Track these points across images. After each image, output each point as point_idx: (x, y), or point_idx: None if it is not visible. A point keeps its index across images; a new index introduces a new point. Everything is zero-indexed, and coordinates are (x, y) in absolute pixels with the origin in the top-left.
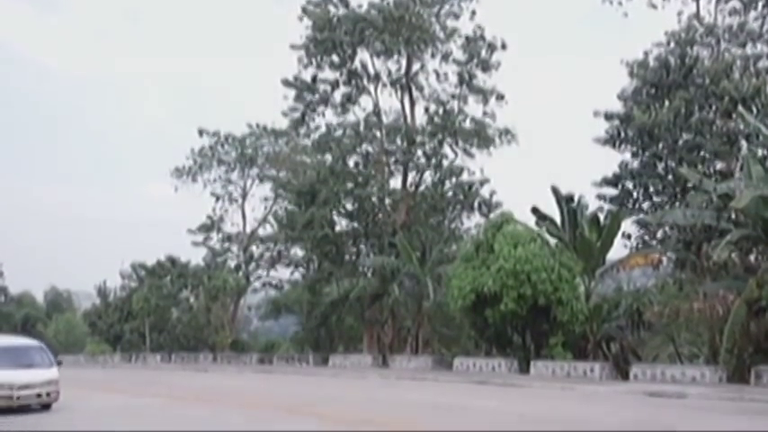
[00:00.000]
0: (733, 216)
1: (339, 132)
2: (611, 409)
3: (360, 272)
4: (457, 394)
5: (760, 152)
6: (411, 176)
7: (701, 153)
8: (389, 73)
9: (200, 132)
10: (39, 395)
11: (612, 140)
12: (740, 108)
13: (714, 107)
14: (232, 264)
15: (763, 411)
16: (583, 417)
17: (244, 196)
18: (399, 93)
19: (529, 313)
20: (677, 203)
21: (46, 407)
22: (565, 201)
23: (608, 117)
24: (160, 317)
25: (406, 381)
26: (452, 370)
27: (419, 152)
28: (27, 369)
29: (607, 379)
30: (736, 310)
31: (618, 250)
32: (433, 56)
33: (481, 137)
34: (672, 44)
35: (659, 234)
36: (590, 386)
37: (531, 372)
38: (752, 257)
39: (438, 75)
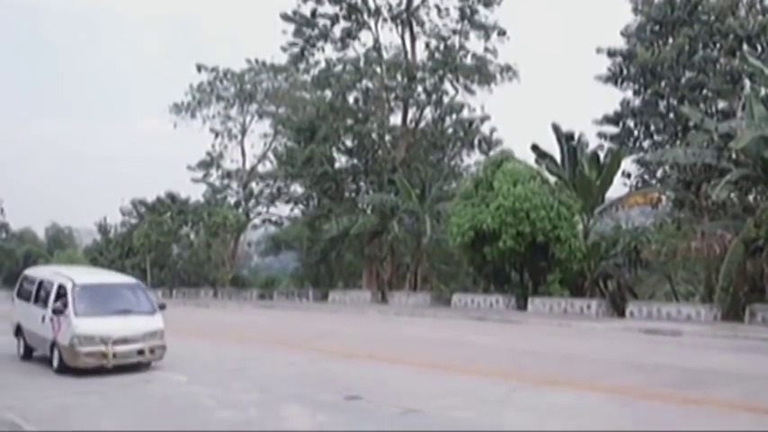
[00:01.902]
0: (733, 156)
1: (339, 68)
2: (607, 345)
3: (359, 209)
4: (455, 330)
5: (763, 91)
6: (411, 113)
7: (704, 92)
8: (390, 7)
9: (199, 68)
10: (140, 351)
11: (614, 78)
12: (745, 47)
13: (718, 45)
14: (232, 200)
15: (756, 349)
16: (579, 353)
17: (243, 132)
18: (400, 28)
19: (527, 251)
20: (678, 142)
21: (143, 365)
22: (565, 138)
23: (611, 54)
24: (161, 253)
25: (405, 316)
26: (451, 306)
27: (419, 88)
28: (124, 316)
29: (603, 316)
30: (733, 250)
31: (617, 189)
32: None
33: (482, 73)
34: None
35: (659, 173)
36: (586, 323)
37: (529, 308)
38: (751, 197)
39: (439, 10)
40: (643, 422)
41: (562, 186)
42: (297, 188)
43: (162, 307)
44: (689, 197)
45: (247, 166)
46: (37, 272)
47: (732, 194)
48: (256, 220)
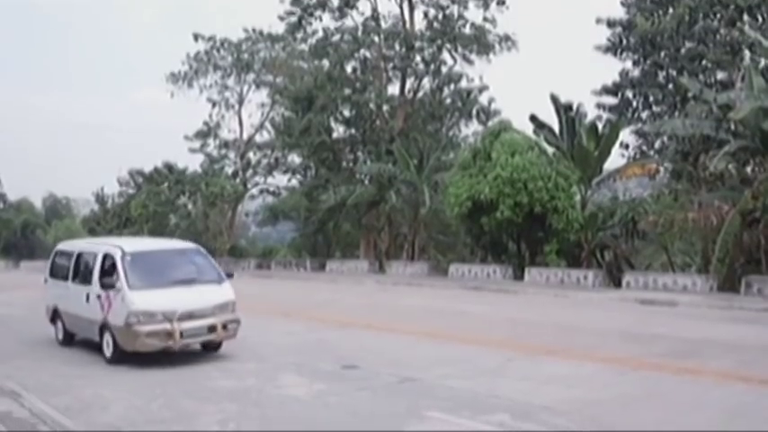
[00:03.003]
0: (732, 127)
1: (336, 37)
2: (604, 315)
3: (357, 179)
4: (452, 299)
5: (762, 62)
6: (409, 83)
7: (703, 62)
8: None
9: (195, 37)
10: (212, 328)
11: (614, 48)
12: (745, 17)
13: (718, 15)
14: (229, 170)
15: (751, 320)
16: (575, 323)
17: (240, 102)
18: None
19: (524, 221)
20: (677, 113)
21: (214, 347)
22: (564, 109)
23: (610, 24)
24: (158, 223)
25: (402, 286)
26: (448, 276)
27: (418, 58)
28: (187, 287)
29: (600, 286)
30: (730, 221)
31: (615, 160)
32: None
33: (481, 43)
34: None
35: (657, 144)
36: (583, 293)
37: (526, 278)
38: (748, 169)
39: None
40: (638, 391)
41: (560, 157)
42: (294, 158)
43: (229, 275)
44: (687, 168)
45: (245, 136)
46: (72, 245)
47: (730, 166)
48: (254, 191)
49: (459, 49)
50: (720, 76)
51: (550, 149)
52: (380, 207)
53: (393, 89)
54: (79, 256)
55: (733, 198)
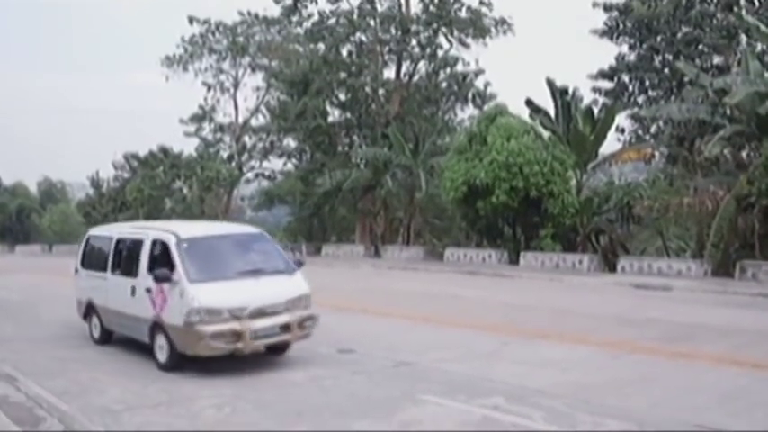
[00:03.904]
0: (728, 112)
1: (332, 21)
2: (599, 299)
3: (352, 163)
4: (447, 283)
5: (759, 47)
6: (405, 66)
7: (699, 47)
8: None
9: (191, 20)
10: (285, 327)
11: (610, 32)
12: (742, 2)
13: (715, 0)
14: (225, 154)
15: (745, 304)
16: (570, 307)
17: (236, 86)
18: None
19: (520, 205)
20: (672, 98)
21: (281, 348)
22: (559, 93)
23: (606, 8)
24: (154, 207)
25: (398, 270)
26: (443, 261)
27: (413, 42)
28: (255, 278)
29: (595, 271)
30: (725, 206)
31: (611, 144)
32: None
33: (477, 26)
34: None
35: (653, 129)
36: (578, 277)
37: (521, 263)
38: (744, 154)
39: None
40: (632, 375)
41: (556, 141)
42: (290, 142)
43: (299, 264)
44: (682, 153)
45: (240, 120)
46: (109, 230)
47: (725, 150)
48: (249, 175)
49: (455, 32)
50: (717, 60)
51: (546, 134)
52: (376, 191)
53: (389, 73)
54: (119, 242)
55: (728, 183)
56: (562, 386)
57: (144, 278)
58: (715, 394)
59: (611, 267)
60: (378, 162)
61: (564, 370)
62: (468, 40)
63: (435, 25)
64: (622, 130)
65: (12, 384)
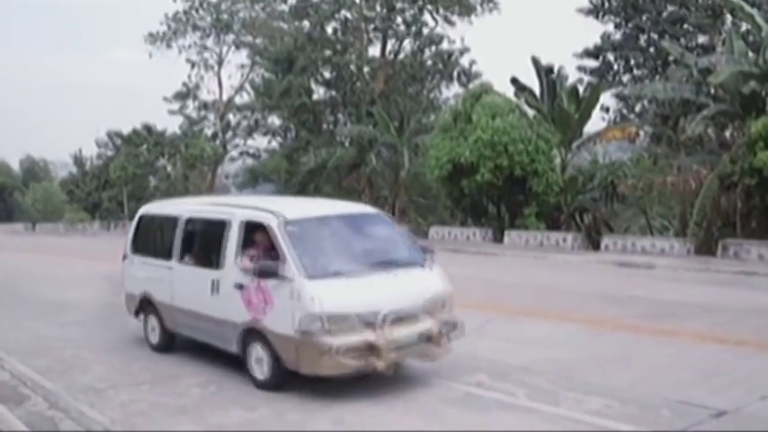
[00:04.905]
0: (712, 91)
1: None
2: (582, 277)
3: (337, 141)
4: None
5: (744, 26)
6: (390, 44)
7: (684, 26)
8: None
9: None
10: (426, 337)
11: (596, 11)
12: None
13: None
14: (209, 132)
15: (727, 282)
16: (554, 285)
17: (220, 63)
18: None
19: (505, 184)
20: (657, 77)
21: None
22: (545, 72)
23: None
24: (138, 185)
25: None
26: (428, 239)
27: (399, 19)
28: (386, 273)
29: (579, 249)
30: (708, 185)
31: (595, 123)
32: None
33: (462, 4)
34: None
35: (637, 108)
36: (562, 255)
37: (505, 241)
38: (727, 133)
39: None
40: (615, 352)
41: (541, 120)
42: (274, 120)
43: (427, 251)
44: (666, 132)
45: (224, 98)
46: (173, 207)
47: (709, 130)
48: (234, 153)
49: (441, 10)
50: (701, 39)
51: (531, 112)
52: (361, 170)
53: (374, 51)
54: (190, 223)
55: (711, 162)
56: (546, 363)
57: (231, 271)
58: (697, 371)
59: (595, 246)
60: (362, 140)
61: (547, 347)
62: (454, 18)
63: (421, 3)
64: (607, 109)
65: None
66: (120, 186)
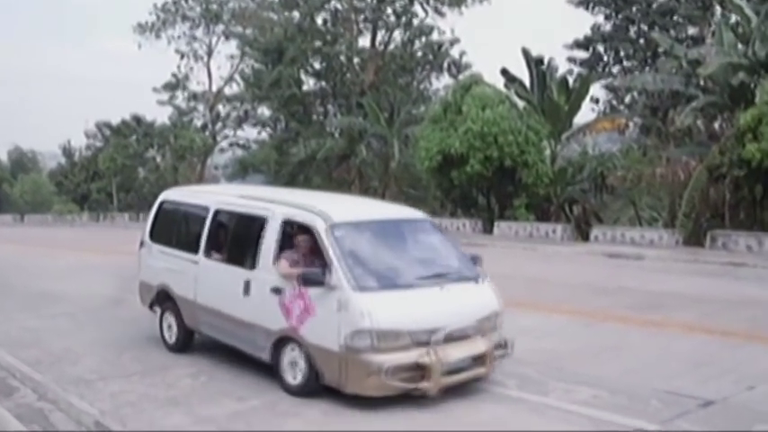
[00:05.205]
0: (701, 82)
1: None
2: (572, 268)
3: (327, 132)
4: None
5: (733, 18)
6: (380, 35)
7: (674, 18)
8: None
9: None
10: (479, 359)
11: (586, 2)
12: None
13: None
14: (198, 123)
15: (715, 273)
16: (544, 276)
17: (209, 54)
18: None
19: (494, 175)
20: (647, 68)
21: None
22: (535, 63)
23: None
24: (127, 176)
25: None
26: None
27: (389, 10)
28: (438, 287)
29: (568, 240)
30: (696, 176)
31: (585, 114)
32: None
33: None
34: None
35: (627, 99)
36: (551, 247)
37: (495, 232)
38: (716, 124)
39: None
40: (605, 342)
41: (531, 111)
42: (264, 111)
43: (476, 259)
44: (656, 123)
45: (214, 89)
46: (200, 195)
47: (698, 121)
48: (223, 144)
49: (431, 1)
50: (691, 31)
51: (521, 103)
52: (351, 161)
53: (364, 41)
54: (220, 215)
55: (700, 153)
56: (536, 354)
57: (267, 273)
58: (685, 361)
59: (585, 237)
60: (353, 131)
61: (537, 338)
62: (444, 9)
63: None
64: (597, 101)
65: None
66: (109, 177)
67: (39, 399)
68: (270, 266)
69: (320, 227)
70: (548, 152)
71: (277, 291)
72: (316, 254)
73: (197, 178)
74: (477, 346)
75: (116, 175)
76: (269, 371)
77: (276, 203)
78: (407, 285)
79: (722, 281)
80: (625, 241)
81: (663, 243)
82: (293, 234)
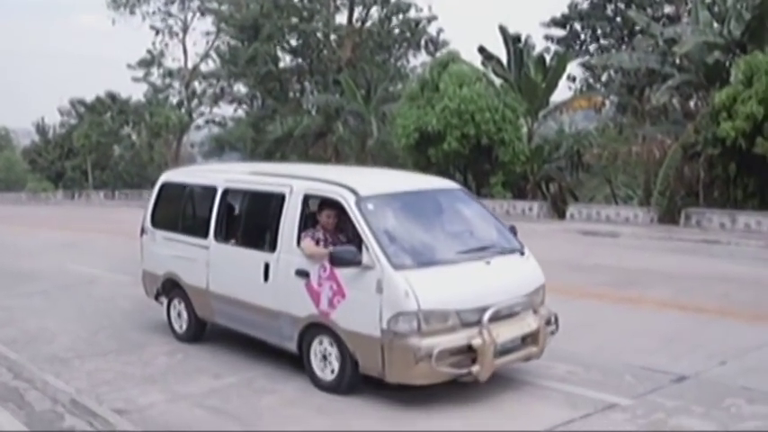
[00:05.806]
0: (677, 61)
1: None
2: (548, 246)
3: (304, 109)
4: None
5: None
6: (357, 12)
7: None
8: None
9: None
10: (531, 337)
11: None
12: None
13: None
14: (174, 100)
15: (689, 250)
16: None
17: (185, 30)
18: None
19: (471, 153)
20: (623, 47)
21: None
22: (512, 40)
23: None
24: (102, 154)
25: None
26: None
27: None
28: (482, 261)
29: (545, 218)
30: (671, 154)
31: (562, 92)
32: None
33: None
34: None
35: (604, 77)
36: (528, 224)
37: None
38: (691, 103)
39: None
40: (581, 319)
41: (508, 89)
42: (240, 88)
43: (513, 231)
44: (632, 102)
45: (189, 65)
46: (206, 175)
47: (673, 100)
48: (199, 121)
49: None
50: (667, 10)
51: (498, 81)
52: (328, 138)
53: (341, 18)
54: (229, 195)
55: (675, 132)
56: None
57: (289, 254)
58: (659, 337)
59: (561, 214)
60: (329, 108)
61: None
62: None
63: None
64: (573, 79)
65: None
66: (83, 155)
67: (14, 378)
68: (292, 247)
69: (351, 201)
70: (524, 130)
71: (302, 273)
72: (341, 232)
73: (173, 156)
74: (529, 323)
75: (91, 153)
76: (245, 348)
77: (293, 178)
78: (451, 261)
79: (696, 258)
80: (601, 219)
81: (638, 221)
82: (313, 211)
